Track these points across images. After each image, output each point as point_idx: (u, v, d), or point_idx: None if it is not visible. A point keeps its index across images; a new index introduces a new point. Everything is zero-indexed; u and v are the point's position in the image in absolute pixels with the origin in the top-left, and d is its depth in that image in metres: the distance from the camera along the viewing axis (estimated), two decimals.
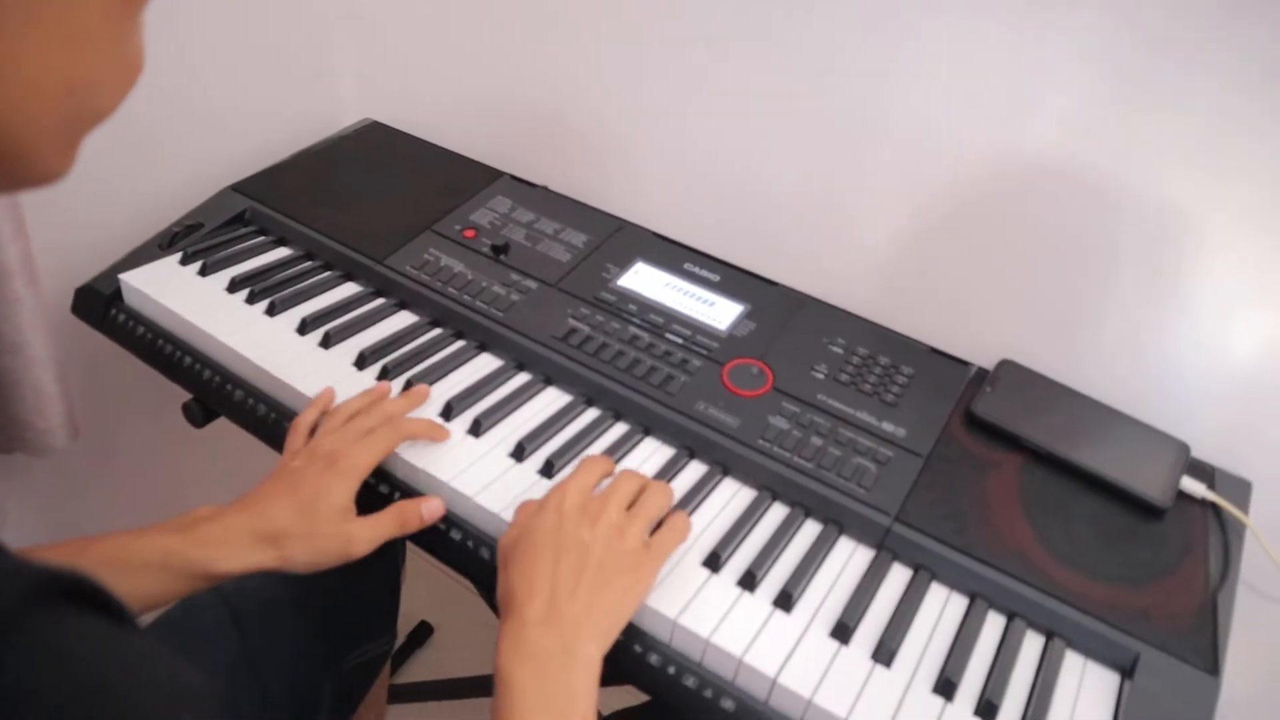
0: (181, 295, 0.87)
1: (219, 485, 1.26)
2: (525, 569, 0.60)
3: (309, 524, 0.66)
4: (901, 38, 0.82)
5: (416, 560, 1.36)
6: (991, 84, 0.79)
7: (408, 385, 0.80)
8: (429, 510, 0.70)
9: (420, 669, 1.39)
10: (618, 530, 0.63)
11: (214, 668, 0.75)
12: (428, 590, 1.46)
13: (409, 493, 0.73)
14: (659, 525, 0.66)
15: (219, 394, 0.83)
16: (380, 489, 0.74)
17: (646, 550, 0.63)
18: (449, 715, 1.26)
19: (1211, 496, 0.75)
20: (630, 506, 0.65)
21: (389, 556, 0.92)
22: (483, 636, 1.33)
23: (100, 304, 0.90)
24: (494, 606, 0.68)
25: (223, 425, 0.87)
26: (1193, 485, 0.75)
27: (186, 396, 0.87)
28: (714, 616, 0.64)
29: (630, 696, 0.87)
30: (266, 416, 0.81)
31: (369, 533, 0.68)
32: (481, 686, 1.25)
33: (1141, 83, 0.73)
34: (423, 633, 1.43)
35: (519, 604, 0.58)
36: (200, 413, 0.86)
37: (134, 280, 0.88)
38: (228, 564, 0.64)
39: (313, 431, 0.74)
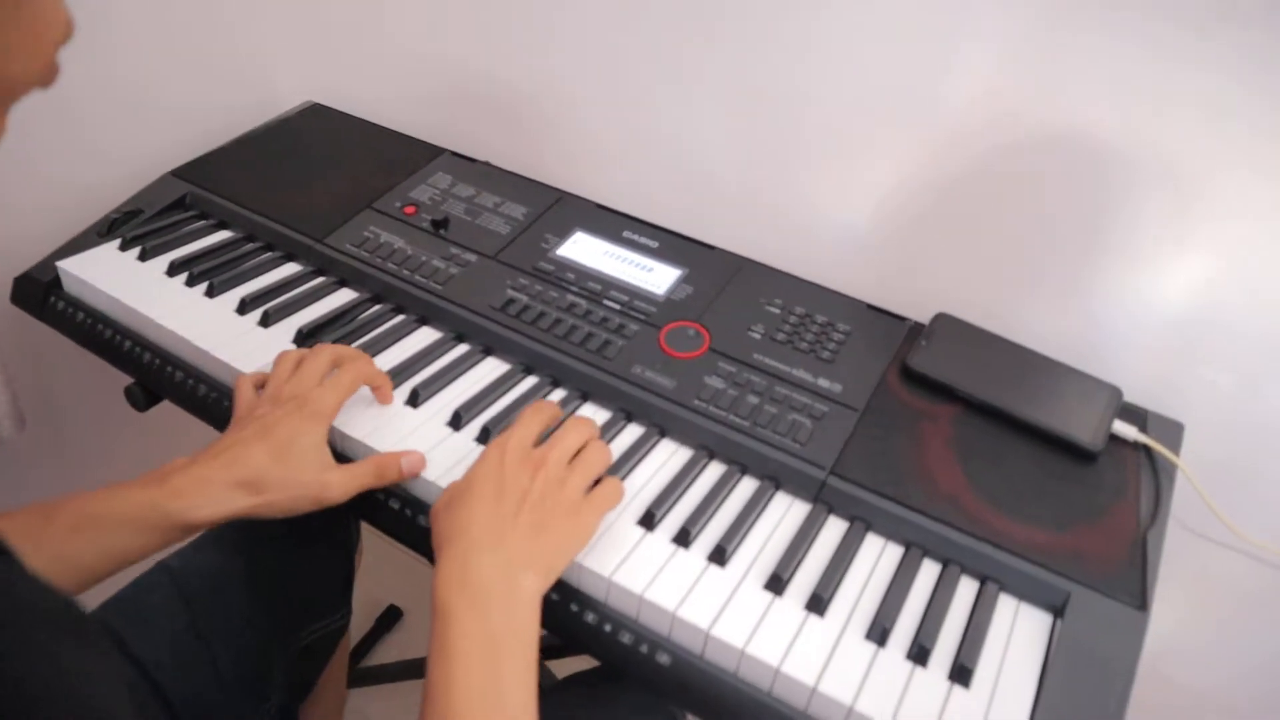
0: (120, 280, 0.87)
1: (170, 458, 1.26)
2: (464, 508, 0.59)
3: (285, 468, 0.66)
4: (822, 10, 0.82)
5: (385, 545, 1.36)
6: (912, 39, 0.80)
7: None
8: (409, 464, 0.69)
9: (389, 652, 1.39)
10: (558, 480, 0.63)
11: (163, 644, 0.75)
12: (396, 574, 1.46)
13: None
14: (596, 484, 0.67)
15: (160, 376, 0.83)
16: None
17: (586, 501, 0.64)
18: (415, 694, 1.26)
19: (1143, 439, 0.76)
20: (571, 461, 0.65)
21: (341, 533, 0.92)
22: None
23: (39, 292, 0.89)
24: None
25: (170, 409, 0.87)
26: (1125, 428, 0.76)
27: (129, 381, 0.87)
28: (649, 573, 0.65)
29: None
30: (207, 396, 0.81)
31: (345, 480, 0.68)
32: None
33: (1064, 19, 0.74)
34: (391, 616, 1.43)
35: (458, 534, 0.57)
36: (142, 396, 0.86)
37: (72, 267, 0.88)
38: (206, 511, 0.64)
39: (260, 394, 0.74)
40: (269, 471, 0.65)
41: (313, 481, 0.66)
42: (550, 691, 0.83)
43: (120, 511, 0.63)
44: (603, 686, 0.80)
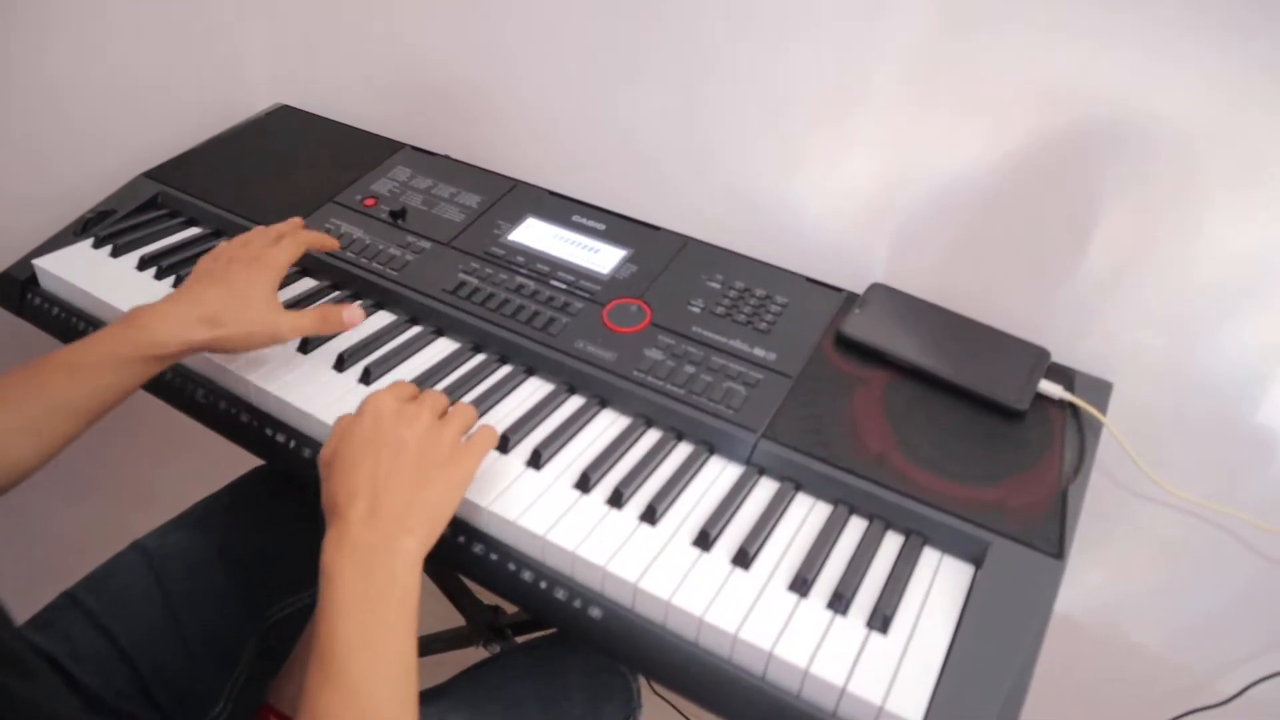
0: (93, 276, 0.91)
1: (150, 457, 1.30)
2: (347, 474, 0.62)
3: (240, 309, 0.74)
4: None
5: None
6: (832, 29, 0.83)
7: (303, 345, 0.83)
8: (349, 315, 0.79)
9: None
10: (435, 431, 0.65)
11: (135, 619, 0.79)
12: None
13: (299, 438, 0.77)
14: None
15: None
16: (281, 440, 0.78)
17: (463, 448, 0.66)
18: None
19: (1069, 397, 0.78)
20: (443, 416, 0.68)
21: (310, 511, 0.96)
22: (433, 606, 1.36)
23: (17, 290, 0.94)
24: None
25: (144, 397, 0.90)
26: (1051, 388, 0.78)
27: None
28: (580, 532, 0.68)
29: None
30: (173, 381, 0.84)
31: (293, 321, 0.76)
32: (423, 648, 1.28)
33: None
34: None
35: (343, 507, 0.60)
36: None
37: (47, 264, 0.92)
38: (173, 342, 0.72)
39: None
40: (225, 309, 0.74)
41: (264, 319, 0.75)
42: (502, 656, 0.86)
43: (101, 352, 0.70)
44: (553, 650, 0.84)
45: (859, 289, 0.88)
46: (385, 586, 0.57)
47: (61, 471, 0.81)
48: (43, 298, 0.93)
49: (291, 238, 0.82)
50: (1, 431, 0.67)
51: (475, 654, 1.11)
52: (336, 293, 0.91)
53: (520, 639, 1.15)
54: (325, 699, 0.53)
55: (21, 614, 0.75)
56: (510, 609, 1.19)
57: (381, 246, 0.93)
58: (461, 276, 0.89)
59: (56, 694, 0.38)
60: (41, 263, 0.92)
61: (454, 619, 1.24)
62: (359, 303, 0.85)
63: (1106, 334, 0.83)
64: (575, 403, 0.80)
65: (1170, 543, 0.87)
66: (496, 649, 1.17)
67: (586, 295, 0.87)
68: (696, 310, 0.85)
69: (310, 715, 0.53)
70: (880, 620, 0.63)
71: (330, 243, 0.87)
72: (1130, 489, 0.85)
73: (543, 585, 0.67)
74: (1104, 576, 0.91)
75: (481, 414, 0.77)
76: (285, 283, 0.91)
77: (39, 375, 0.69)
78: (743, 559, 0.67)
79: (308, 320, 0.77)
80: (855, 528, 0.71)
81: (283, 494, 0.93)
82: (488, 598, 1.18)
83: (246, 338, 0.74)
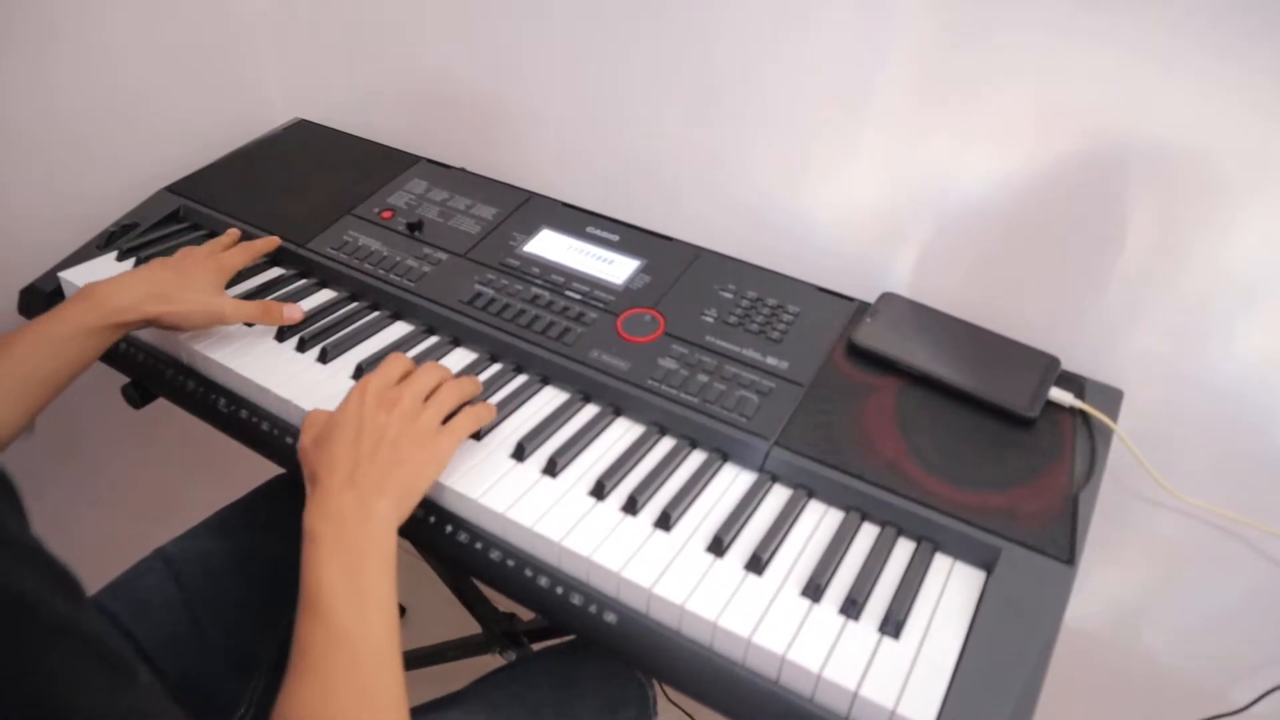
0: None
1: (170, 463, 1.32)
2: (329, 448, 0.66)
3: (188, 288, 0.83)
4: (765, 7, 0.87)
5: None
6: (840, 40, 0.84)
7: (323, 354, 0.85)
8: (289, 311, 0.87)
9: None
10: (413, 414, 0.69)
11: (157, 624, 0.80)
12: (399, 573, 1.50)
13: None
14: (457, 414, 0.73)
15: (152, 374, 0.89)
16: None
17: (441, 431, 0.70)
18: (416, 686, 1.30)
19: (1079, 405, 0.79)
20: (428, 398, 0.72)
21: None
22: (450, 614, 1.37)
23: (43, 302, 0.95)
24: None
25: (165, 406, 0.92)
26: (1061, 395, 0.79)
27: (125, 381, 0.93)
28: (596, 539, 0.69)
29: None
30: (195, 392, 0.86)
31: (235, 306, 0.84)
32: (439, 655, 1.29)
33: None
34: None
35: (323, 476, 0.65)
36: (137, 395, 0.92)
37: (72, 277, 0.94)
38: (128, 304, 0.79)
39: None
40: (174, 288, 0.82)
41: (209, 300, 0.83)
42: (519, 663, 0.87)
43: (66, 327, 0.77)
44: (570, 658, 0.84)
45: (870, 298, 0.89)
46: (363, 541, 0.62)
47: (100, 495, 0.83)
48: None
49: (239, 248, 0.92)
50: None
51: (491, 662, 1.12)
52: (353, 304, 0.93)
53: (536, 646, 1.16)
54: (315, 639, 0.58)
55: None
56: (525, 616, 1.20)
57: (399, 258, 0.95)
58: (478, 287, 0.91)
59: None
60: (67, 275, 0.94)
61: (470, 626, 1.25)
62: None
63: (1117, 342, 0.84)
64: (590, 411, 0.81)
65: (1182, 549, 0.87)
66: (512, 656, 1.18)
67: (601, 305, 0.88)
68: (709, 320, 0.86)
69: (302, 655, 0.57)
70: (892, 625, 0.64)
71: (269, 243, 0.96)
72: (1141, 495, 0.85)
73: (559, 590, 0.68)
74: (1115, 583, 0.91)
75: (497, 422, 0.78)
76: (300, 295, 0.93)
77: (13, 349, 0.74)
78: (756, 565, 0.67)
79: (250, 308, 0.85)
80: (867, 534, 0.72)
81: (300, 501, 0.95)
82: (503, 605, 1.19)
83: (191, 314, 0.82)
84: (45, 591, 0.37)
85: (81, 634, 0.38)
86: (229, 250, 0.92)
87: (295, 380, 0.82)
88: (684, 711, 1.28)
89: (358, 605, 0.59)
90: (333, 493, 0.64)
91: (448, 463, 0.70)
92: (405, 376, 0.73)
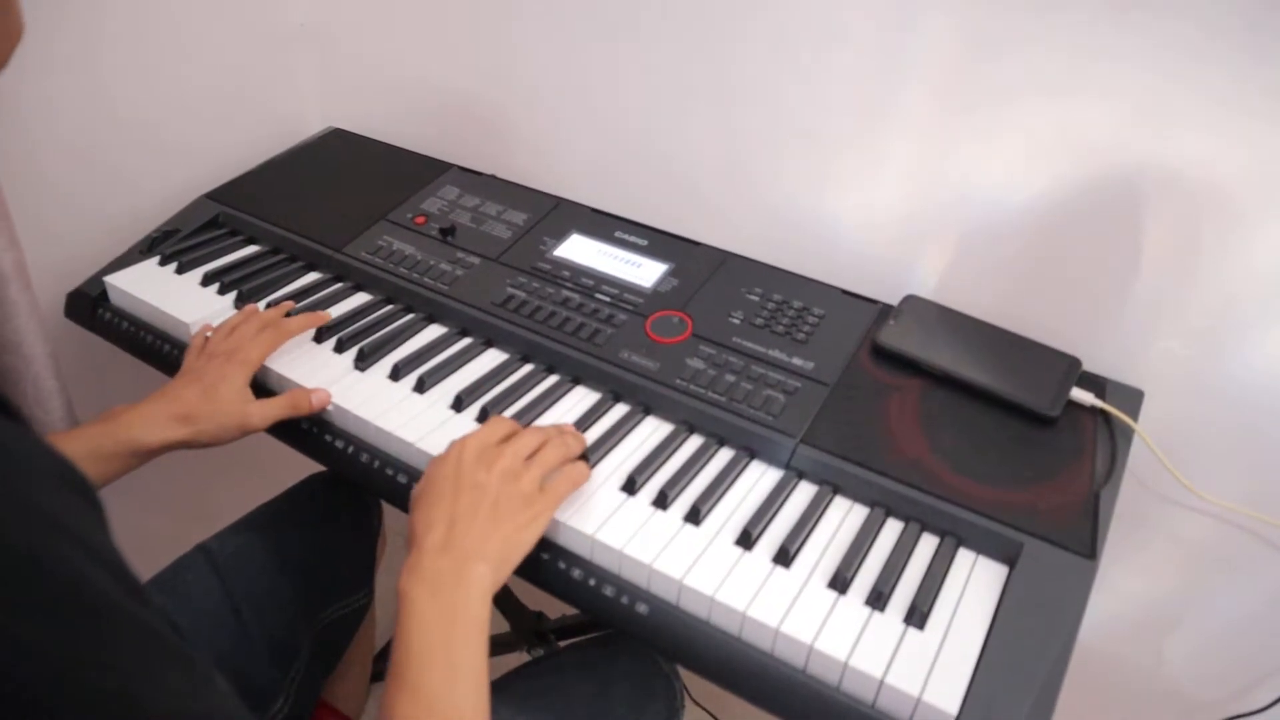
0: (159, 291, 0.96)
1: (205, 462, 1.35)
2: (426, 508, 0.66)
3: (212, 404, 0.79)
4: (786, 12, 0.89)
5: None
6: (868, 54, 0.86)
7: (360, 356, 0.87)
8: (317, 398, 0.82)
9: None
10: (513, 475, 0.68)
11: (198, 616, 0.83)
12: None
13: (357, 443, 0.81)
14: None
15: None
16: (340, 445, 0.82)
17: (541, 493, 0.69)
18: None
19: (1100, 404, 0.80)
20: (529, 458, 0.71)
21: (364, 517, 1.00)
22: None
23: (89, 305, 0.99)
24: None
25: None
26: (1082, 395, 0.81)
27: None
28: (628, 531, 0.71)
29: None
30: None
31: (263, 410, 0.80)
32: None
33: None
34: None
35: (419, 537, 0.64)
36: None
37: (117, 281, 0.97)
38: (149, 438, 0.77)
39: None
40: (198, 407, 0.78)
41: (235, 413, 0.79)
42: (548, 658, 0.89)
43: (87, 446, 0.75)
44: (600, 652, 0.86)
45: (893, 300, 0.91)
46: (457, 608, 0.61)
47: (136, 490, 0.85)
48: (113, 313, 0.98)
49: (274, 329, 0.85)
50: None
51: (520, 659, 1.14)
52: (388, 306, 0.95)
53: (564, 643, 1.18)
54: (404, 709, 0.56)
55: None
56: (554, 614, 1.22)
57: (432, 263, 0.97)
58: (510, 290, 0.93)
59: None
60: (112, 279, 0.97)
61: (499, 624, 1.27)
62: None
63: (1139, 345, 0.85)
64: (620, 410, 0.83)
65: (1202, 548, 0.88)
66: (540, 654, 1.20)
67: (630, 308, 0.91)
68: (736, 321, 0.88)
69: None
70: (917, 616, 0.65)
71: (318, 318, 0.90)
72: (1161, 495, 0.86)
73: (592, 582, 0.70)
74: (1136, 581, 0.92)
75: (529, 421, 0.80)
76: (336, 298, 0.96)
77: None
78: (783, 558, 0.69)
79: (276, 407, 0.81)
80: (892, 529, 0.73)
81: (338, 499, 0.97)
82: (532, 603, 1.21)
83: (219, 432, 0.79)
84: (119, 594, 0.38)
85: (159, 636, 0.39)
86: (261, 336, 0.84)
87: (336, 384, 0.84)
88: (708, 713, 1.29)
89: (448, 676, 0.58)
90: (427, 554, 0.62)
91: (546, 526, 0.69)
92: (507, 439, 0.71)
